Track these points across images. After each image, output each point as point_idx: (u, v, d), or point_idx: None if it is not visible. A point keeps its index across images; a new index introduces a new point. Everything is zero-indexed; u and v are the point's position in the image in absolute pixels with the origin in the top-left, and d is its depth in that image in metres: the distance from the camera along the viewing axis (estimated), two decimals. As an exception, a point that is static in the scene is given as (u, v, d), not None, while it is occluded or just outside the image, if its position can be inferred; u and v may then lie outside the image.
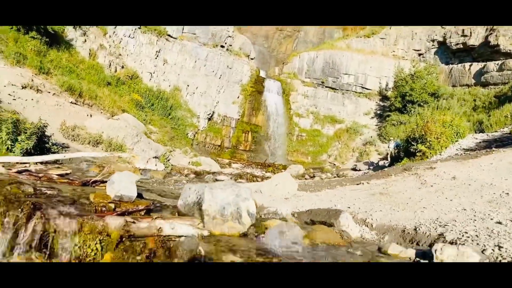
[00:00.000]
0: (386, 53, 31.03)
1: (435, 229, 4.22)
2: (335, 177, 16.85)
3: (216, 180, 11.40)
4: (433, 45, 29.55)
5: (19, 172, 4.24)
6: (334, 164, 24.99)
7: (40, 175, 4.32)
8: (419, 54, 30.20)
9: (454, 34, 27.62)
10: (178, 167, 14.89)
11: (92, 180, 4.40)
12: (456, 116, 15.19)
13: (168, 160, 14.81)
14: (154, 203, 3.74)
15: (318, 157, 27.46)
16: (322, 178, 16.84)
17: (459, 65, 27.29)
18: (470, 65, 26.38)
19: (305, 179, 16.78)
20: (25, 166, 4.61)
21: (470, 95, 24.66)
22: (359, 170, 19.71)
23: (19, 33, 17.84)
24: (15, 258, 2.58)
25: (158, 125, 22.07)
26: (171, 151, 18.57)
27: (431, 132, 12.46)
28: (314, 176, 18.40)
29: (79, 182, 4.30)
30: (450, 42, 27.79)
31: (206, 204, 3.50)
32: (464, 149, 12.13)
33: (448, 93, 25.54)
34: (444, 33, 28.37)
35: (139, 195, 3.78)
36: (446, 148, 12.36)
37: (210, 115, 27.70)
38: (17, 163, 4.64)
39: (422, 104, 25.11)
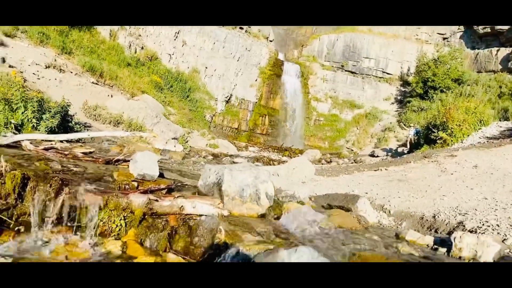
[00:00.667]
0: (409, 37, 30.14)
1: (454, 217, 4.18)
2: (352, 162, 16.74)
3: (234, 162, 11.51)
4: (459, 28, 28.50)
5: (46, 149, 4.39)
6: (352, 150, 24.78)
7: (66, 152, 4.46)
8: (444, 38, 29.21)
9: (482, 18, 26.52)
10: (196, 148, 15.07)
11: (115, 159, 4.52)
12: (480, 103, 14.75)
13: (187, 142, 14.99)
14: (175, 183, 3.83)
15: (336, 142, 27.25)
16: (339, 163, 16.76)
17: (486, 50, 26.31)
18: (498, 50, 25.39)
19: (322, 164, 16.73)
20: (51, 144, 4.76)
21: (496, 82, 23.82)
22: (377, 156, 19.49)
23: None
24: (48, 230, 2.71)
25: (176, 107, 22.25)
26: (189, 133, 18.76)
27: (453, 119, 12.16)
28: (331, 161, 18.33)
29: (102, 160, 4.43)
30: (478, 26, 26.72)
31: (225, 185, 3.56)
32: (487, 137, 11.82)
33: (473, 79, 24.72)
34: (472, 17, 27.26)
35: (161, 175, 3.88)
36: (468, 136, 12.07)
37: (228, 98, 27.71)
38: (43, 140, 4.79)
39: (444, 90, 24.42)
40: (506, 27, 25.09)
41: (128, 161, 4.69)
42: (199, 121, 24.08)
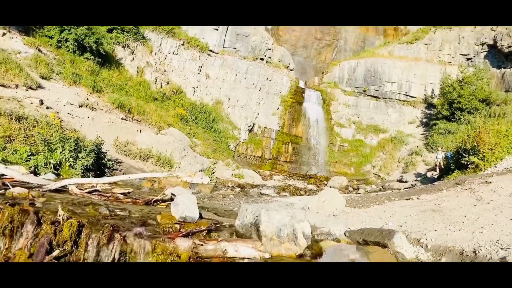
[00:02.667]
0: (431, 59, 30.02)
1: (496, 252, 4.08)
2: (380, 189, 16.46)
3: (261, 193, 11.58)
4: (482, 48, 28.20)
5: (90, 192, 4.64)
6: (379, 176, 24.36)
7: (108, 194, 4.69)
8: (467, 59, 28.91)
9: (505, 36, 26.20)
10: (222, 179, 15.26)
11: (153, 200, 4.71)
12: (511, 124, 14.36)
13: (213, 173, 15.22)
14: (213, 223, 3.95)
15: (362, 168, 26.91)
16: (367, 190, 16.52)
17: (513, 69, 25.82)
18: (525, 69, 24.89)
19: (349, 191, 16.54)
20: (93, 186, 5.02)
21: (526, 101, 23.22)
22: (406, 181, 19.09)
23: (75, 54, 19.23)
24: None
25: (201, 138, 22.74)
26: (214, 164, 19.04)
27: (484, 142, 11.88)
28: (358, 188, 18.08)
29: (142, 201, 4.63)
30: (502, 45, 26.38)
31: (263, 225, 3.65)
32: (521, 160, 11.45)
33: (501, 99, 24.16)
34: (495, 36, 27.00)
35: (199, 215, 4.01)
36: (501, 160, 11.72)
37: (251, 127, 28.11)
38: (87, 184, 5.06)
39: (472, 111, 23.94)
40: (531, 45, 24.66)
41: (165, 200, 4.89)
42: (223, 151, 24.45)
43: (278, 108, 29.23)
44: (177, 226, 3.57)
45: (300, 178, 23.38)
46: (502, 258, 3.89)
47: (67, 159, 9.28)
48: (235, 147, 26.79)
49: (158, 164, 13.27)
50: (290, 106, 29.56)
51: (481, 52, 28.30)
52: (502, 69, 26.71)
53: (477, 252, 4.21)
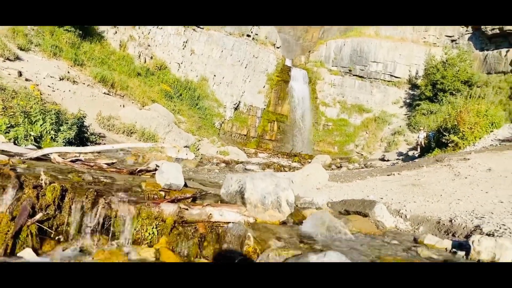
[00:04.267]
0: (417, 40, 30.16)
1: (471, 221, 4.26)
2: (362, 167, 16.77)
3: (246, 169, 11.65)
4: (467, 30, 28.46)
5: (73, 161, 4.58)
6: (362, 154, 24.77)
7: (91, 164, 4.65)
8: (452, 41, 29.18)
9: (489, 19, 26.43)
10: (207, 156, 15.25)
11: (138, 170, 4.69)
12: (491, 105, 14.71)
13: (198, 149, 15.18)
14: (198, 191, 3.98)
15: (345, 147, 27.28)
16: (349, 168, 16.80)
17: (495, 51, 26.20)
18: (507, 51, 25.28)
19: (332, 169, 16.79)
20: (76, 156, 4.95)
21: (506, 83, 23.72)
22: (388, 160, 19.49)
23: (54, 26, 18.53)
24: (86, 239, 2.87)
25: (186, 115, 22.53)
26: (199, 141, 18.98)
27: (464, 122, 12.17)
28: (341, 167, 18.37)
29: (126, 171, 4.60)
30: (486, 27, 26.65)
31: (248, 193, 3.70)
32: (500, 139, 11.80)
33: (483, 81, 24.64)
34: (479, 18, 27.20)
35: (184, 184, 4.03)
36: (480, 138, 12.06)
37: (236, 104, 27.96)
38: (68, 153, 4.99)
39: (454, 92, 24.38)
40: (514, 28, 24.98)
41: (150, 171, 4.87)
42: (208, 128, 24.33)
43: (264, 86, 29.08)
44: (162, 193, 3.58)
45: (285, 156, 23.57)
46: (476, 226, 4.07)
47: (48, 132, 9.07)
48: (220, 125, 26.70)
49: (142, 139, 13.14)
50: (276, 84, 29.44)
51: (466, 34, 28.57)
52: (485, 51, 27.10)
53: (453, 221, 4.38)
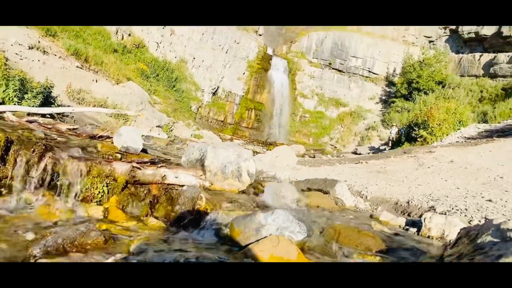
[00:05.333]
0: (396, 38, 30.62)
1: (427, 202, 4.37)
2: (334, 158, 17.00)
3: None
4: (444, 32, 29.11)
5: (29, 122, 4.37)
6: (335, 147, 25.12)
7: (49, 126, 4.44)
8: (430, 41, 29.79)
9: (467, 23, 27.17)
10: (180, 138, 15.03)
11: (98, 135, 4.53)
12: (461, 104, 15.16)
13: (171, 131, 14.94)
14: (158, 159, 3.88)
15: (320, 139, 27.56)
16: (322, 158, 16.99)
17: (469, 54, 26.96)
18: (481, 56, 26.06)
19: (304, 159, 16.93)
20: (34, 118, 4.73)
21: (478, 86, 24.47)
22: (360, 154, 19.83)
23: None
24: (29, 193, 2.73)
25: (162, 96, 22.09)
26: (174, 123, 18.67)
27: (433, 118, 12.50)
28: (314, 157, 18.57)
29: (86, 135, 4.44)
30: (463, 31, 27.35)
31: (208, 161, 3.64)
32: (465, 137, 12.20)
33: (456, 83, 25.34)
34: (457, 21, 27.86)
35: (144, 150, 3.92)
36: (447, 135, 12.43)
37: (215, 89, 27.65)
38: (27, 114, 4.76)
39: (428, 92, 24.96)
40: (490, 33, 25.75)
41: (112, 137, 4.72)
42: (184, 111, 23.96)
43: (244, 73, 28.86)
44: (118, 155, 3.46)
45: (260, 144, 23.60)
46: (431, 207, 4.17)
47: (11, 98, 8.64)
48: (197, 109, 26.36)
49: (113, 116, 12.76)
50: (256, 72, 29.27)
51: (443, 36, 29.22)
52: (460, 54, 27.83)
53: (410, 202, 4.48)
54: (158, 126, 14.18)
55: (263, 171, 4.82)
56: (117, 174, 2.94)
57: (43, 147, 2.93)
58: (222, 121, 27.81)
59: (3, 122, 3.93)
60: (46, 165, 2.81)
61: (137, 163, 3.36)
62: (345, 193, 4.63)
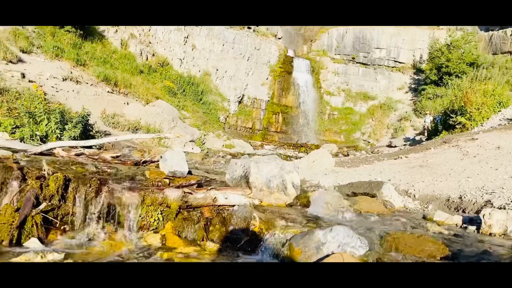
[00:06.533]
0: (420, 23, 29.70)
1: (481, 196, 4.19)
2: (369, 154, 16.64)
3: (252, 160, 11.63)
4: (470, 11, 27.95)
5: (77, 155, 4.58)
6: (369, 142, 24.61)
7: (96, 157, 4.64)
8: (456, 23, 28.67)
9: (493, -1, 25.94)
10: (213, 150, 15.25)
11: (142, 160, 4.68)
12: (498, 85, 14.45)
13: (204, 143, 15.18)
14: (203, 178, 3.95)
15: (351, 135, 27.09)
16: (356, 155, 16.69)
17: (500, 31, 25.73)
18: (512, 31, 24.84)
19: (339, 157, 16.69)
20: (81, 150, 4.95)
21: (513, 63, 23.32)
22: (395, 146, 19.32)
23: (55, 27, 18.55)
24: (91, 227, 2.86)
25: (190, 111, 22.52)
26: (205, 135, 18.97)
27: (471, 102, 11.97)
28: (348, 155, 18.25)
29: (131, 162, 4.59)
30: (490, 8, 26.14)
31: (252, 177, 3.66)
32: (508, 119, 11.59)
33: (489, 62, 24.21)
34: (483, -2, 26.71)
35: (189, 172, 4.00)
36: (488, 118, 11.86)
37: (240, 98, 27.87)
38: (72, 147, 4.99)
39: (460, 75, 23.95)
40: (519, 6, 24.47)
41: (155, 161, 4.86)
42: (213, 123, 24.30)
43: (267, 78, 28.93)
44: (166, 180, 3.56)
45: (291, 147, 23.48)
46: (487, 201, 3.99)
47: (53, 131, 9.10)
48: (225, 119, 26.64)
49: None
50: (279, 75, 29.26)
51: (470, 15, 28.05)
52: (490, 31, 26.63)
53: (463, 198, 4.31)
54: (191, 141, 14.44)
55: (305, 180, 4.79)
56: (169, 201, 3.03)
57: (98, 181, 3.06)
58: (250, 128, 27.96)
59: (55, 158, 4.14)
60: (103, 199, 2.93)
61: (186, 186, 3.44)
62: (393, 194, 4.52)
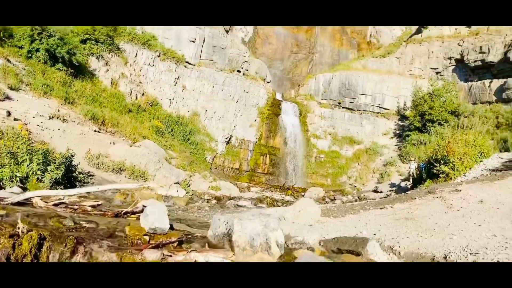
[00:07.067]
0: (403, 72, 31.01)
1: (465, 257, 4.16)
2: (356, 200, 16.66)
3: (238, 205, 11.47)
4: (450, 62, 29.40)
5: (56, 204, 4.44)
6: (355, 186, 24.69)
7: (75, 207, 4.50)
8: (437, 73, 30.04)
9: (471, 51, 27.45)
10: (198, 192, 15.04)
11: (123, 212, 4.56)
12: (479, 134, 14.91)
13: (189, 186, 14.99)
14: (185, 234, 3.85)
15: (338, 178, 27.21)
16: (343, 201, 16.68)
17: (479, 82, 26.98)
18: (490, 82, 26.05)
19: (326, 202, 16.64)
20: (60, 199, 4.81)
21: (492, 112, 24.24)
22: (381, 192, 19.42)
23: (46, 65, 18.67)
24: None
25: (177, 150, 22.43)
26: (191, 176, 18.77)
27: (453, 152, 12.26)
28: (334, 199, 18.23)
29: (111, 214, 4.46)
30: (468, 59, 27.60)
31: (235, 235, 3.58)
32: (489, 169, 11.87)
33: (469, 111, 25.16)
34: (461, 51, 28.23)
35: (170, 226, 3.90)
36: (470, 168, 12.12)
37: (228, 138, 28.02)
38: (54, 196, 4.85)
39: (442, 122, 24.77)
40: (496, 60, 25.89)
41: (137, 212, 4.73)
42: (200, 163, 24.18)
43: (255, 120, 29.32)
44: (146, 237, 3.45)
45: (278, 189, 23.37)
46: (471, 263, 3.96)
47: (34, 172, 8.89)
48: (212, 159, 26.59)
49: (132, 177, 12.95)
50: (267, 117, 29.72)
51: (449, 66, 29.49)
52: (469, 82, 27.88)
53: (447, 257, 4.27)
54: (177, 183, 14.26)
55: (290, 236, 4.72)
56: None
57: (75, 240, 2.94)
58: (237, 169, 27.89)
59: (32, 210, 4.00)
60: (79, 259, 2.80)
61: (166, 244, 3.33)
62: (378, 252, 4.46)
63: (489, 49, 26.47)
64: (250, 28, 36.95)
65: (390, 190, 19.21)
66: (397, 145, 27.93)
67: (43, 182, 8.95)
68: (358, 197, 18.97)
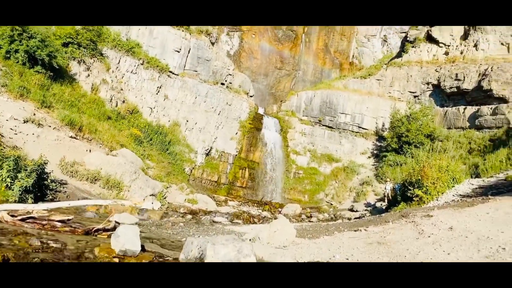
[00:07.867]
0: (382, 94, 31.83)
1: (433, 287, 4.24)
2: (332, 217, 16.81)
3: (214, 221, 11.36)
4: (428, 87, 30.39)
5: (23, 219, 4.29)
6: (331, 204, 24.92)
7: (44, 222, 4.36)
8: (415, 96, 30.97)
9: (448, 78, 28.47)
10: (174, 205, 14.83)
11: (94, 229, 4.44)
12: (452, 159, 15.40)
13: (165, 198, 14.77)
14: (156, 256, 3.78)
15: (315, 195, 27.41)
16: (319, 218, 16.78)
17: (454, 108, 27.94)
18: (465, 108, 27.01)
19: (302, 219, 16.71)
20: (28, 212, 4.65)
21: (466, 138, 25.08)
22: (356, 211, 19.67)
23: (24, 67, 18.20)
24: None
25: (155, 160, 22.12)
26: (167, 187, 18.50)
27: (427, 177, 12.60)
28: (311, 216, 18.33)
29: (82, 231, 4.34)
30: (445, 86, 28.60)
31: (208, 260, 3.54)
32: (460, 195, 12.23)
33: (444, 135, 25.96)
34: (438, 77, 29.25)
35: (142, 248, 3.83)
36: (442, 193, 12.46)
37: (208, 150, 27.88)
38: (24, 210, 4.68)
39: (418, 145, 25.43)
40: (471, 87, 26.94)
41: (108, 230, 4.62)
42: (178, 174, 23.87)
43: (236, 133, 29.34)
44: (116, 260, 3.37)
45: (255, 204, 23.32)
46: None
47: (3, 180, 8.58)
48: (191, 171, 26.32)
49: (106, 187, 12.65)
50: (248, 131, 29.80)
51: (427, 91, 30.47)
52: (445, 107, 28.84)
53: (416, 287, 4.35)
54: (152, 195, 14.03)
55: (264, 260, 4.69)
56: (115, 290, 2.83)
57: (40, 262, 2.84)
58: (216, 182, 27.69)
59: (-2, 225, 3.85)
60: (41, 285, 2.70)
61: (135, 268, 3.25)
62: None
63: (464, 77, 27.53)
64: (235, 42, 37.25)
65: (365, 210, 19.48)
66: (374, 165, 28.45)
67: (13, 190, 8.63)
68: (334, 215, 19.15)
